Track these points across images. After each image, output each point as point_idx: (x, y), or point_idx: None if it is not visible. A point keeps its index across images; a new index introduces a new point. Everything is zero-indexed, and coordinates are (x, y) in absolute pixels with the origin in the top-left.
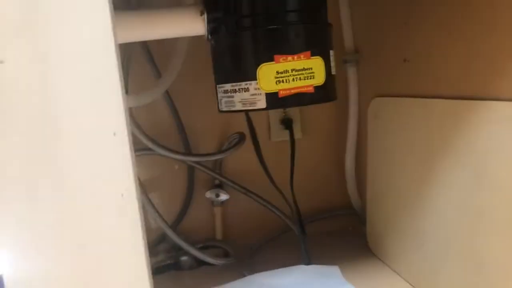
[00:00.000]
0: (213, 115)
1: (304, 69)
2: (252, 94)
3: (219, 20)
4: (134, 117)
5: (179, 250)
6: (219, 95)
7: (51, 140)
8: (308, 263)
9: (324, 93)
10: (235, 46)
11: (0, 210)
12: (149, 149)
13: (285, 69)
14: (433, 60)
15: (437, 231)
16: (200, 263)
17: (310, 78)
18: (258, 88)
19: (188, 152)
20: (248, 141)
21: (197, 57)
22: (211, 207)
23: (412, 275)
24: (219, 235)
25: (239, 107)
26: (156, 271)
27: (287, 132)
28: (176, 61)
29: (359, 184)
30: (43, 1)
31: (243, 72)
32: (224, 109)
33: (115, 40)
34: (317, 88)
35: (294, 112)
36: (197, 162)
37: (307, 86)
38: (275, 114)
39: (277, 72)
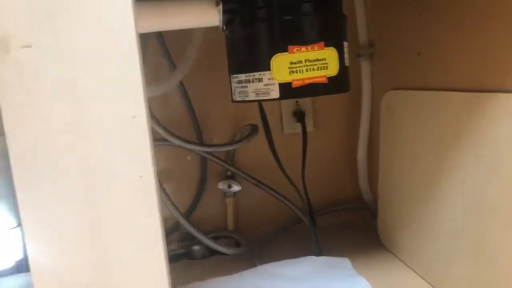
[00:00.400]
0: (227, 107)
1: (317, 59)
2: (266, 85)
3: (234, 11)
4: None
5: (191, 239)
6: (233, 85)
7: (74, 122)
8: (318, 255)
9: (337, 84)
10: (249, 36)
11: (23, 191)
12: (163, 139)
13: (298, 60)
14: (447, 53)
15: (449, 224)
16: (212, 252)
17: (324, 69)
18: (272, 79)
19: (201, 143)
20: (261, 134)
21: (211, 49)
22: (223, 198)
23: (423, 268)
24: (230, 226)
25: (252, 97)
26: (169, 260)
27: (299, 125)
28: (191, 52)
29: (370, 177)
30: None
31: (257, 62)
32: (238, 99)
33: (136, 27)
34: (330, 78)
35: (306, 105)
36: (210, 153)
37: (320, 77)
38: (288, 107)
39: (291, 63)
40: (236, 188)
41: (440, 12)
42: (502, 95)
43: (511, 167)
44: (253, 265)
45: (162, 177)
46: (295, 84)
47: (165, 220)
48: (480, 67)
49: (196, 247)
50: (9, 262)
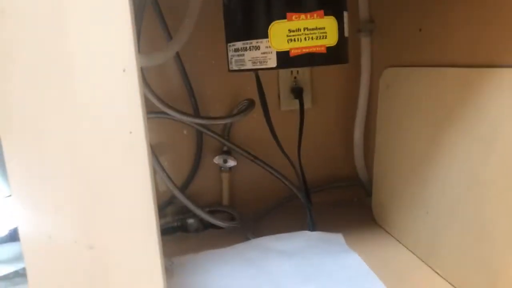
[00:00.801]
0: (224, 81)
1: (316, 28)
2: (263, 53)
3: None
4: (145, 79)
5: (186, 213)
6: (230, 54)
7: (61, 76)
8: (312, 230)
9: (336, 54)
10: (247, 3)
11: (10, 150)
12: (159, 112)
13: (297, 28)
14: (448, 28)
15: (442, 200)
16: (206, 226)
17: (323, 38)
18: (269, 47)
19: (198, 115)
20: (258, 110)
21: (208, 22)
22: (218, 173)
23: (415, 243)
24: (225, 201)
25: (249, 66)
26: (163, 232)
27: (296, 101)
28: (188, 22)
29: (366, 156)
30: None
31: (255, 29)
32: (234, 68)
33: None
34: (329, 48)
35: (304, 81)
36: (206, 127)
37: (319, 46)
38: (286, 83)
39: (289, 31)
40: (231, 163)
41: None
42: (500, 70)
43: (508, 142)
44: (247, 239)
45: (158, 150)
46: (293, 53)
47: (160, 194)
48: (480, 42)
49: (191, 220)
50: (3, 231)
